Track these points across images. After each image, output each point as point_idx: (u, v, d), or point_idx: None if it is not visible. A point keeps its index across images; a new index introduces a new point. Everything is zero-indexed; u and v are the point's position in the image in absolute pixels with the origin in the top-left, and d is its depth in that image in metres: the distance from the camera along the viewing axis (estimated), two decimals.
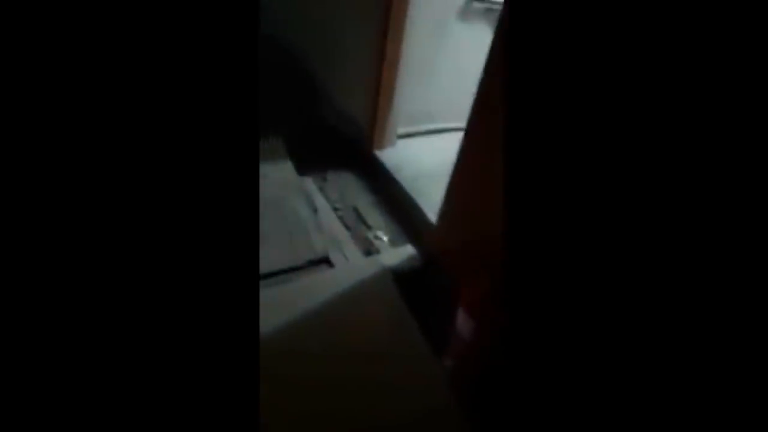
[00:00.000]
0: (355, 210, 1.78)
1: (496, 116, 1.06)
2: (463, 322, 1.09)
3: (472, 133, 1.16)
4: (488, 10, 1.89)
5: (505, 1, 0.91)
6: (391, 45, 1.68)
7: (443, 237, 1.48)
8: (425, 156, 2.02)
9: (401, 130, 2.07)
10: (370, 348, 1.23)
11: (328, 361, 1.14)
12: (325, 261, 1.51)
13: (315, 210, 1.70)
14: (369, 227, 1.71)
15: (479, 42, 2.02)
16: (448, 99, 2.12)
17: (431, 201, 1.72)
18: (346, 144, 2.13)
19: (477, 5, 1.85)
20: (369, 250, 1.61)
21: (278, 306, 1.25)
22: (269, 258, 1.41)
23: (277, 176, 1.79)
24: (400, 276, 1.48)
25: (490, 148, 1.12)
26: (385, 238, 1.68)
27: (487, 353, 1.14)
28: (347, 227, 1.68)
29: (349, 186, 1.91)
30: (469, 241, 1.30)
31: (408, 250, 1.58)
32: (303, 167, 1.90)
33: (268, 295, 1.27)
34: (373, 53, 1.75)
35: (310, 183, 1.85)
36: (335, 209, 1.76)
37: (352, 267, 1.48)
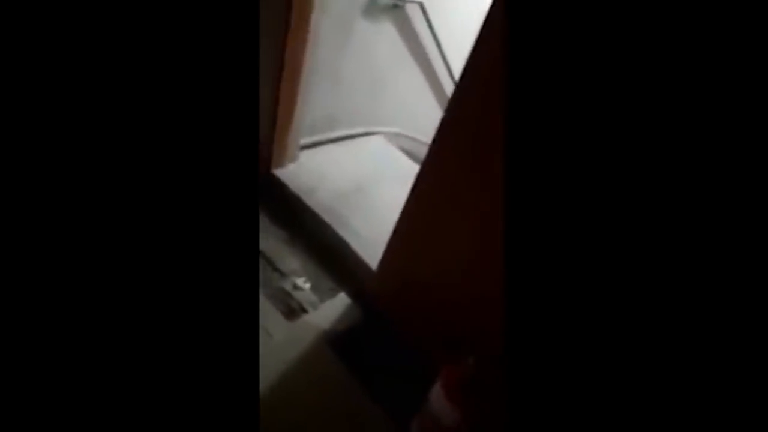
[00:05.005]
0: (262, 254, 1.39)
1: (467, 142, 0.86)
2: (438, 402, 0.90)
3: (439, 155, 0.94)
4: (395, 6, 1.67)
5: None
6: (292, 46, 1.32)
7: (392, 287, 1.23)
8: (335, 171, 1.72)
9: (302, 141, 1.73)
10: None
11: None
12: None
13: None
14: (283, 274, 1.36)
15: (386, 40, 1.82)
16: (353, 102, 1.86)
17: (353, 228, 1.46)
18: None
19: (383, 1, 1.61)
20: (290, 307, 1.27)
21: None
22: None
23: None
24: (338, 341, 1.19)
25: (459, 176, 0.92)
26: (306, 287, 1.35)
27: None
28: None
29: None
30: (432, 298, 1.10)
31: (342, 301, 1.30)
32: None
33: None
34: (273, 57, 1.35)
35: None
36: None
37: (274, 345, 1.12)
